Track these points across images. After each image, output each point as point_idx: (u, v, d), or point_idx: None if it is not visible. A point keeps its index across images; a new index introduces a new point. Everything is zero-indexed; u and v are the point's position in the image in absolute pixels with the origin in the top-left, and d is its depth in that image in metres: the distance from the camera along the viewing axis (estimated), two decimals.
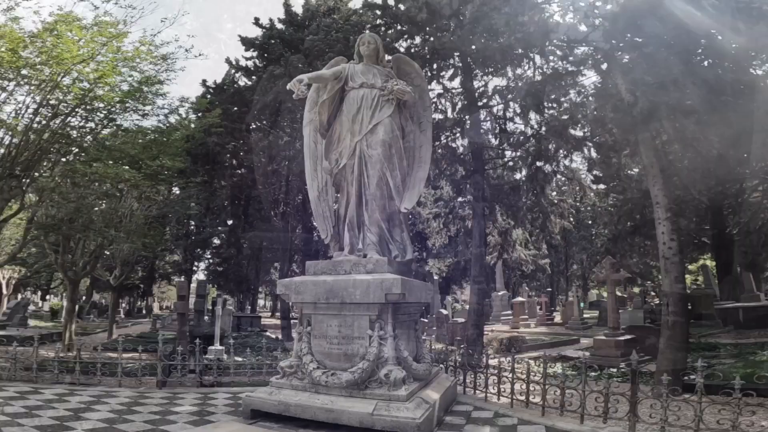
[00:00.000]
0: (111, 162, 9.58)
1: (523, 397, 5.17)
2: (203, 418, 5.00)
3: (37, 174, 9.11)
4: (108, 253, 14.24)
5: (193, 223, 22.82)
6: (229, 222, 22.08)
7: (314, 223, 5.98)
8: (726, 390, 3.59)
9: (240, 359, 8.25)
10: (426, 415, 4.26)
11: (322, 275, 5.09)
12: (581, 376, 4.52)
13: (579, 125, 10.54)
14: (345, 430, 4.27)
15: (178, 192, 16.43)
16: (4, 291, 17.53)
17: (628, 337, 9.83)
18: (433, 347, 7.79)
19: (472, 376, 6.13)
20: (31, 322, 18.19)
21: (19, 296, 25.23)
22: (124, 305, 32.26)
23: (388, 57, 6.99)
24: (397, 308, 4.74)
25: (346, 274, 4.98)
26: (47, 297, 30.37)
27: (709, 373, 5.79)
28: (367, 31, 7.40)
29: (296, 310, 5.23)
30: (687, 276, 30.00)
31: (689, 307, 14.33)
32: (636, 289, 26.77)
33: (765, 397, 3.61)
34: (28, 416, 4.73)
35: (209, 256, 29.58)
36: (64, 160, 9.54)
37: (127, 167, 10.03)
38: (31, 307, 24.59)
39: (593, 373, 8.48)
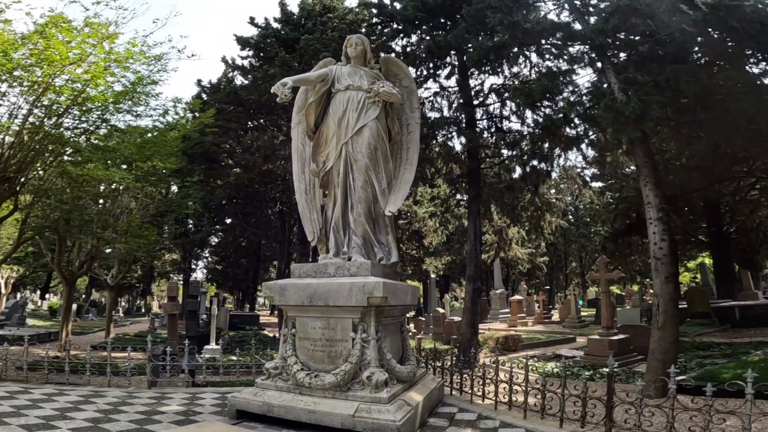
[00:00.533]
0: (109, 162, 9.59)
1: (507, 399, 5.17)
2: (188, 417, 5.03)
3: (30, 176, 9.12)
4: (107, 251, 14.30)
5: (191, 222, 22.87)
6: (228, 221, 22.12)
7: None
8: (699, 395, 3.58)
9: (234, 358, 8.28)
10: (407, 417, 4.27)
11: (306, 278, 5.10)
12: (562, 379, 4.52)
13: (572, 124, 10.50)
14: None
15: (176, 191, 16.46)
16: (3, 290, 17.66)
17: (621, 336, 9.81)
18: (423, 347, 7.80)
19: (459, 377, 6.13)
20: (30, 321, 18.26)
21: (18, 295, 25.37)
22: (123, 304, 32.42)
23: (384, 54, 6.96)
24: (380, 311, 4.75)
25: (330, 277, 4.99)
26: (46, 296, 30.50)
27: (697, 375, 5.78)
28: (364, 31, 7.38)
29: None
30: (686, 274, 29.92)
31: (685, 306, 14.36)
32: (635, 287, 26.76)
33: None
34: (15, 415, 4.76)
35: (208, 255, 29.68)
36: (58, 160, 9.55)
37: (124, 166, 10.04)
38: (30, 306, 24.71)
39: (587, 373, 8.51)
